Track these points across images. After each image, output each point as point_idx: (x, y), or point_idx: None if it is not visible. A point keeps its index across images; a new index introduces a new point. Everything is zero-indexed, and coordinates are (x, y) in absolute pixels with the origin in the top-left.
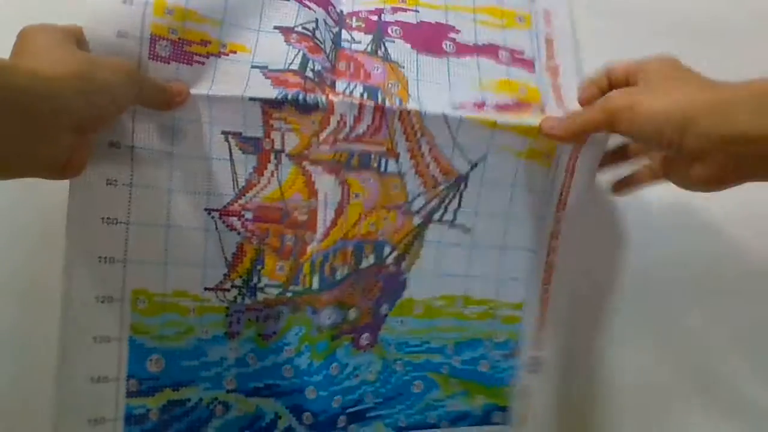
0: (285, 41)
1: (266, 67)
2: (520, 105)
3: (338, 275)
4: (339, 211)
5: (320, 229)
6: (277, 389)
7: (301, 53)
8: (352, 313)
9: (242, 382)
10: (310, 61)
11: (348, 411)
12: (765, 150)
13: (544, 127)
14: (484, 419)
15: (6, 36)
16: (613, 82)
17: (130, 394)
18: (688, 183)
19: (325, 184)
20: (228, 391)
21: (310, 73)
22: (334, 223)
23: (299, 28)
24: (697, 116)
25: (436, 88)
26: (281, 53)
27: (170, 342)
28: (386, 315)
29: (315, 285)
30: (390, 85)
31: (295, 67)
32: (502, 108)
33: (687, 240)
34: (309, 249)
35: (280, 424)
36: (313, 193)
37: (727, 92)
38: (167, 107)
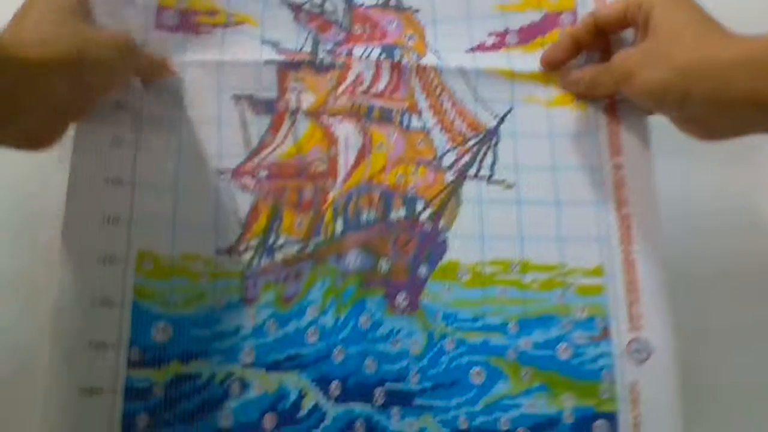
0: (295, 19)
1: (278, 44)
2: (548, 20)
3: (364, 218)
4: (361, 155)
5: (341, 172)
6: (301, 360)
7: (311, 35)
8: (384, 264)
9: (261, 354)
10: (321, 43)
11: (388, 385)
12: (764, 114)
13: (561, 84)
14: (581, 430)
15: None
16: (605, 26)
17: (132, 364)
18: (685, 131)
19: (345, 129)
20: (245, 366)
21: (323, 54)
22: (357, 164)
23: (307, 5)
24: (695, 86)
25: (453, 28)
26: (291, 32)
27: (179, 309)
28: (427, 278)
29: (338, 229)
30: (407, 39)
31: (308, 49)
32: (526, 33)
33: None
34: (330, 196)
35: (306, 404)
36: (332, 141)
37: (728, 52)
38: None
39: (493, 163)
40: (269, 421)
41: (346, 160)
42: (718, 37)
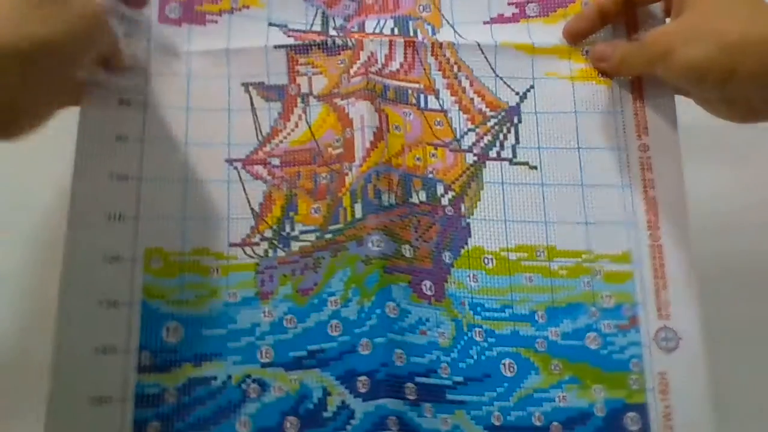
0: None
1: (286, 26)
2: None
3: (384, 201)
4: (379, 136)
5: (359, 154)
6: (323, 355)
7: (320, 11)
8: (407, 250)
9: (280, 352)
10: (331, 19)
11: (418, 380)
12: None
13: (591, 60)
14: (613, 424)
15: None
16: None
17: (141, 369)
18: (718, 113)
19: (360, 109)
20: (263, 365)
21: (333, 32)
22: (374, 145)
23: None
24: (743, 64)
25: None
26: (299, 10)
27: (190, 307)
28: (451, 264)
29: (358, 214)
30: (421, 9)
31: (317, 28)
32: (547, 4)
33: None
34: (347, 179)
35: (331, 403)
36: (347, 123)
37: None
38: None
39: (515, 144)
40: (291, 424)
41: (362, 140)
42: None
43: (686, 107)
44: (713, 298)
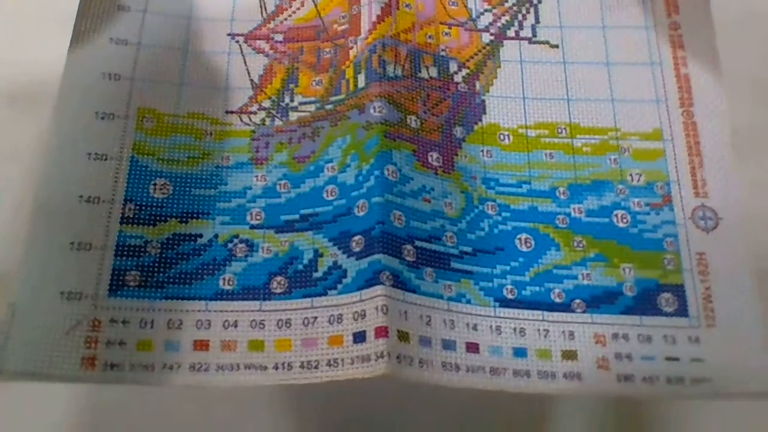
0: None
1: None
2: None
3: (390, 71)
4: (386, 11)
5: (364, 28)
6: (317, 219)
7: None
8: (413, 121)
9: (271, 215)
10: None
11: (419, 244)
12: None
13: None
14: (645, 304)
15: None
16: None
17: (125, 220)
18: None
19: None
20: (253, 227)
21: None
22: (380, 19)
23: None
24: None
25: None
26: None
27: (181, 166)
28: (462, 139)
29: (361, 83)
30: None
31: None
32: None
33: None
34: (351, 53)
35: (322, 263)
36: (354, 0)
37: None
38: None
39: (535, 23)
40: (278, 284)
41: (369, 15)
42: None
43: (738, 108)
44: None
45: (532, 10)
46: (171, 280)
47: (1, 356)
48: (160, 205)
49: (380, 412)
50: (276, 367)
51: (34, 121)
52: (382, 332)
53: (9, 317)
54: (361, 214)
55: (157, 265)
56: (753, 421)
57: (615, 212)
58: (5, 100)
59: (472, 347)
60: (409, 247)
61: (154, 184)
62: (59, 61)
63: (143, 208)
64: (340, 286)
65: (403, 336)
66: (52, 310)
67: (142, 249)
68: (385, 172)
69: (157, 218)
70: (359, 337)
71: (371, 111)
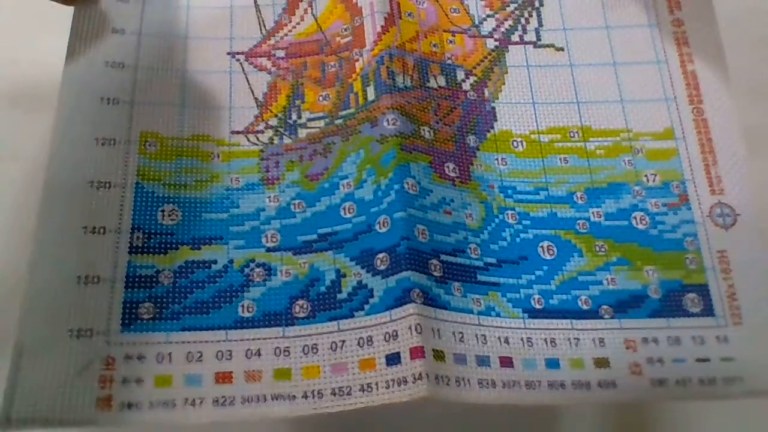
0: None
1: None
2: None
3: (399, 82)
4: (390, 21)
5: (369, 39)
6: (336, 237)
7: None
8: (426, 132)
9: (288, 237)
10: None
11: (445, 258)
12: None
13: None
14: (671, 306)
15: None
16: None
17: (134, 250)
18: None
19: None
20: (269, 250)
21: None
22: (385, 29)
23: None
24: None
25: None
26: None
27: (189, 190)
28: (476, 148)
29: (370, 96)
30: None
31: None
32: None
33: None
34: (358, 65)
35: (346, 284)
36: (356, 12)
37: None
38: None
39: (539, 27)
40: (301, 308)
41: (373, 26)
42: None
43: (749, 107)
44: None
45: (534, 13)
46: (187, 310)
47: (9, 403)
48: (169, 232)
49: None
50: (305, 396)
51: (34, 121)
52: (418, 353)
53: (16, 358)
54: (384, 230)
55: (171, 295)
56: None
57: (633, 214)
58: (5, 99)
59: (506, 362)
60: (435, 261)
61: (162, 211)
62: (60, 61)
63: (152, 236)
64: (367, 307)
65: (439, 355)
66: (62, 350)
67: (154, 279)
68: (405, 186)
69: (168, 246)
70: (393, 359)
71: (384, 124)
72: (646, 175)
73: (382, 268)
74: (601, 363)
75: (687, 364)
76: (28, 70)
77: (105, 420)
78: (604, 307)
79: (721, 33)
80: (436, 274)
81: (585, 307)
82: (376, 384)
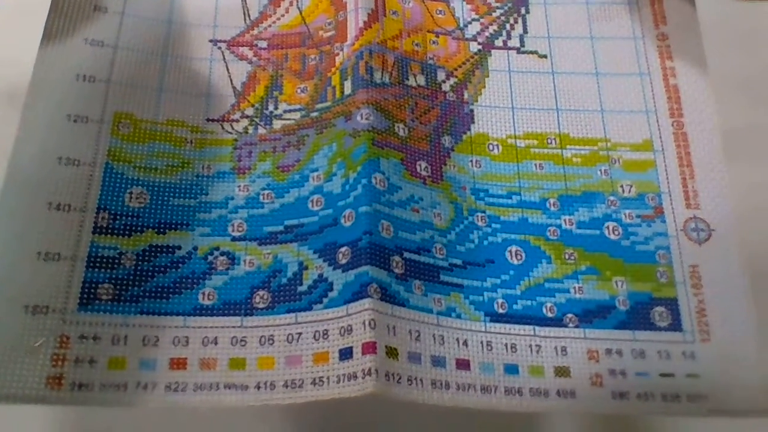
0: None
1: None
2: None
3: (377, 78)
4: (373, 17)
5: (351, 34)
6: (302, 230)
7: None
8: (401, 129)
9: (254, 227)
10: None
11: (408, 256)
12: None
13: None
14: (638, 319)
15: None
16: None
17: (98, 230)
18: None
19: None
20: (234, 239)
21: None
22: (367, 25)
23: None
24: None
25: None
26: None
27: (159, 174)
28: (451, 149)
29: (347, 90)
30: None
31: None
32: None
33: None
34: (338, 59)
35: (307, 276)
36: (341, 6)
37: None
38: None
39: (523, 33)
40: (261, 299)
41: (356, 21)
42: None
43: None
44: None
45: (519, 20)
46: (147, 294)
47: None
48: (136, 214)
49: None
50: (258, 387)
51: None
52: (369, 348)
53: None
54: (348, 224)
55: (131, 277)
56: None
57: (606, 224)
58: (5, 99)
59: (463, 364)
60: (397, 258)
61: (130, 193)
62: None
63: (118, 217)
64: (325, 300)
65: (392, 352)
66: (16, 326)
67: (116, 261)
68: (373, 181)
69: (133, 228)
70: (345, 354)
71: (358, 118)
72: (621, 186)
73: (344, 262)
74: (562, 372)
75: (650, 378)
76: (28, 70)
77: (54, 399)
78: (570, 315)
79: (705, 36)
80: (397, 270)
81: (549, 315)
82: (328, 378)
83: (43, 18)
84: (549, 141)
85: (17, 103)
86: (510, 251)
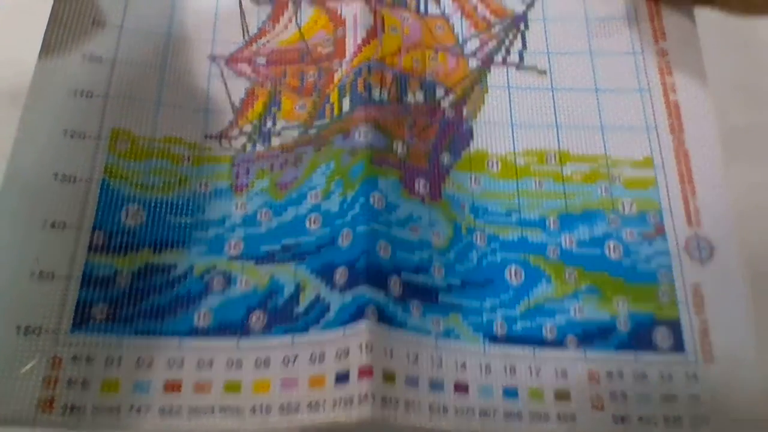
0: None
1: None
2: None
3: (375, 95)
4: (372, 34)
5: (349, 50)
6: (299, 249)
7: None
8: (399, 146)
9: (251, 246)
10: None
11: (406, 276)
12: None
13: None
14: (640, 340)
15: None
16: None
17: (93, 249)
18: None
19: (354, 9)
20: (231, 258)
21: None
22: (366, 42)
23: None
24: None
25: None
26: None
27: (156, 192)
28: (450, 166)
29: (346, 108)
30: None
31: None
32: None
33: None
34: (336, 76)
35: (304, 297)
36: (339, 23)
37: None
38: None
39: (522, 49)
40: (257, 320)
41: (354, 38)
42: None
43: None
44: None
45: (519, 36)
46: (141, 314)
47: None
48: (132, 233)
49: None
50: (253, 410)
51: None
52: (366, 372)
53: None
54: (345, 244)
55: (126, 297)
56: None
57: (607, 243)
58: (6, 99)
59: (461, 387)
60: (395, 279)
61: (126, 211)
62: None
63: (114, 235)
64: (323, 321)
65: (389, 376)
66: (7, 347)
67: (111, 280)
68: (371, 200)
69: (129, 247)
70: (342, 378)
71: (356, 136)
72: (622, 203)
73: (341, 282)
74: (562, 395)
75: (652, 401)
76: (29, 70)
77: (46, 422)
78: (570, 337)
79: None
80: (395, 291)
81: (549, 336)
82: (324, 402)
83: (43, 18)
84: (549, 158)
85: (19, 104)
86: (509, 271)
